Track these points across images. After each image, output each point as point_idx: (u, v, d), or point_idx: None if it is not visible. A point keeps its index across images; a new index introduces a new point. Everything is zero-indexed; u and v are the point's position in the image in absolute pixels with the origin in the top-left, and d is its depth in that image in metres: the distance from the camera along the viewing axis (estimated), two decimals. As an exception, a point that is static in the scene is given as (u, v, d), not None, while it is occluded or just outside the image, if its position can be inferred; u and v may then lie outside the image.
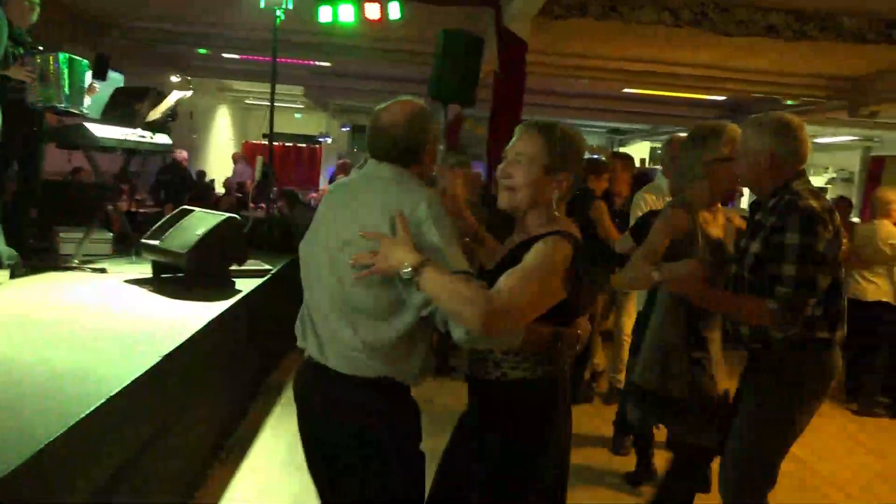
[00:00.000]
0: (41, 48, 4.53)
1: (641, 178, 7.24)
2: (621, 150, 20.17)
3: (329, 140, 17.70)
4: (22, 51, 4.40)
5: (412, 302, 1.68)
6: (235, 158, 14.05)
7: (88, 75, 4.64)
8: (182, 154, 11.17)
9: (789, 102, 11.36)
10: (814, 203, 2.17)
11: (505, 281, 1.61)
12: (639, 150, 19.98)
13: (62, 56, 4.31)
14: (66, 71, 4.33)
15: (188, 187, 10.35)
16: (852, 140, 16.14)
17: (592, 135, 19.97)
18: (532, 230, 1.80)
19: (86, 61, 4.61)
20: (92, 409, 1.91)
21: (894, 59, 8.29)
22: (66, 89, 4.35)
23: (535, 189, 1.78)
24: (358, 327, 1.72)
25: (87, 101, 4.62)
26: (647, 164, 16.52)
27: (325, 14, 6.59)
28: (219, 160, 16.49)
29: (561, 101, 13.29)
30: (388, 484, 1.76)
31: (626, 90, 11.82)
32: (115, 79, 8.91)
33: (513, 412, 1.78)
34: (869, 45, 7.04)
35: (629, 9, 6.75)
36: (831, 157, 18.85)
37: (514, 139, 1.85)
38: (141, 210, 6.10)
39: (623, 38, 8.31)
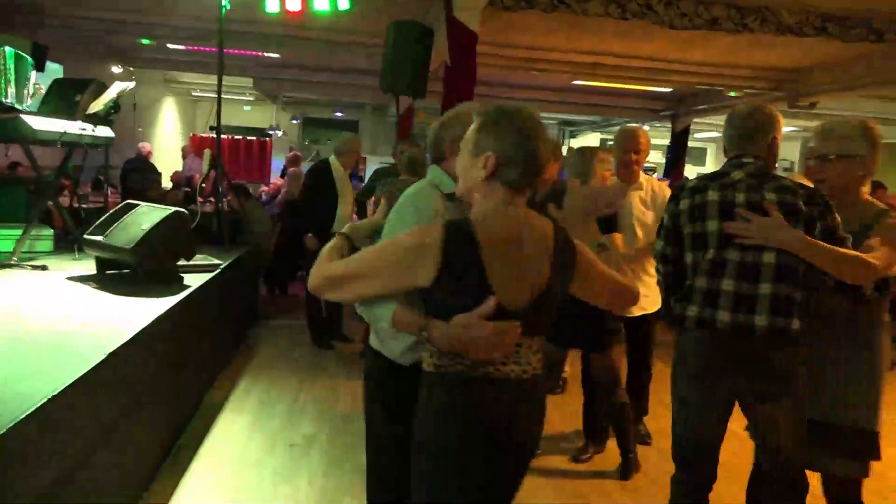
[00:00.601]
0: None
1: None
2: (572, 141, 20.44)
3: (279, 133, 17.44)
4: None
5: None
6: (185, 152, 13.74)
7: (34, 75, 4.49)
8: (147, 147, 10.96)
9: (732, 94, 11.67)
10: None
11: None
12: (589, 141, 20.28)
13: (10, 51, 4.16)
14: (12, 66, 4.18)
15: (155, 181, 10.20)
16: (792, 131, 16.66)
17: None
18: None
19: (30, 59, 4.45)
20: (33, 408, 1.86)
21: (830, 52, 8.59)
22: (13, 86, 4.20)
23: (466, 175, 1.76)
24: None
25: (29, 102, 4.46)
26: (597, 155, 16.73)
27: (272, 4, 6.48)
28: (165, 154, 16.09)
29: (512, 92, 13.35)
30: None
31: (575, 82, 11.95)
32: (54, 69, 8.64)
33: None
34: (806, 39, 7.28)
35: (576, 2, 6.83)
36: (773, 147, 19.44)
37: None
38: (83, 206, 5.92)
39: (571, 31, 8.40)
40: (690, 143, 15.07)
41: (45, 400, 1.92)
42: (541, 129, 1.70)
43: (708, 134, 19.54)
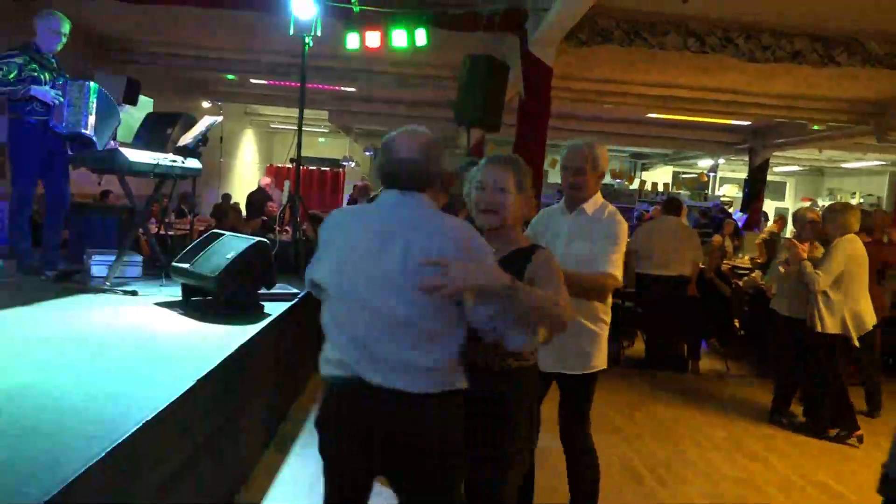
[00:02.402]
0: (67, 76, 4.67)
1: (668, 205, 7.20)
2: (644, 174, 20.13)
3: (352, 164, 17.85)
4: (47, 75, 4.53)
5: (473, 317, 1.89)
6: (262, 183, 14.23)
7: (119, 114, 4.75)
8: (266, 181, 11.54)
9: (815, 128, 11.29)
10: None
11: (555, 291, 2.03)
12: (662, 175, 19.92)
13: (93, 86, 4.44)
14: (93, 100, 4.45)
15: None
16: (879, 165, 15.96)
17: (615, 159, 19.95)
18: (514, 243, 2.24)
19: (114, 102, 4.72)
20: (129, 433, 1.92)
21: (922, 84, 8.22)
22: (93, 118, 4.46)
23: (513, 210, 2.22)
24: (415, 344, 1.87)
25: (111, 143, 4.72)
26: (670, 188, 16.40)
27: (352, 41, 6.68)
28: (244, 183, 16.69)
29: (584, 125, 13.31)
30: None
31: (649, 115, 11.81)
32: (145, 102, 9.13)
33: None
34: (896, 70, 7.00)
35: (653, 35, 6.77)
36: (858, 182, 18.66)
37: (484, 171, 2.27)
38: (170, 233, 6.18)
39: (647, 64, 8.34)
40: (769, 177, 14.61)
41: (139, 425, 1.99)
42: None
43: (787, 168, 18.92)
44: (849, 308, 4.83)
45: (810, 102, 9.91)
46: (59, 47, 4.64)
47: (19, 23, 4.67)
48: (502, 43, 7.26)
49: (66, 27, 4.63)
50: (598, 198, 3.04)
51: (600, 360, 2.98)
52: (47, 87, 4.46)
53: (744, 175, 15.30)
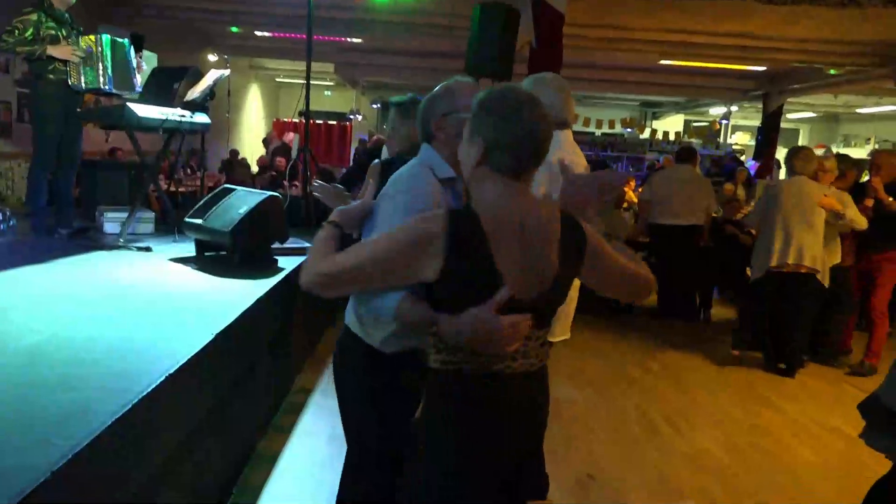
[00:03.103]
0: (81, 29, 4.58)
1: (682, 154, 7.07)
2: (655, 123, 19.84)
3: (359, 117, 17.66)
4: (64, 32, 4.45)
5: None
6: (269, 138, 14.13)
7: (133, 54, 4.68)
8: (289, 136, 11.39)
9: (832, 72, 11.03)
10: None
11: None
12: (673, 123, 19.63)
13: (105, 38, 4.36)
14: (108, 53, 4.39)
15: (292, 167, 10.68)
16: (895, 110, 15.65)
17: (625, 108, 19.67)
18: None
19: (126, 40, 4.64)
20: (153, 385, 1.93)
21: (946, 25, 7.98)
22: (110, 71, 4.40)
23: (464, 162, 1.66)
24: None
25: (138, 80, 4.67)
26: (681, 137, 16.16)
27: (359, -11, 6.52)
28: (252, 138, 16.58)
29: (594, 73, 13.07)
30: None
31: (662, 62, 11.57)
32: (149, 58, 9.00)
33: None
34: (919, 11, 6.79)
35: (669, -22, 6.59)
36: (873, 127, 18.33)
37: None
38: (180, 189, 6.17)
39: (662, 10, 8.12)
40: (782, 124, 14.36)
41: (163, 377, 2.00)
42: (535, 112, 1.54)
43: (801, 115, 18.59)
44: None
45: (829, 46, 9.65)
46: (73, 1, 4.55)
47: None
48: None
49: None
50: None
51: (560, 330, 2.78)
52: (64, 44, 4.38)
53: (756, 123, 15.04)
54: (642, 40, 9.91)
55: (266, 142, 14.02)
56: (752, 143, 16.83)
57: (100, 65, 4.42)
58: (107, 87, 4.46)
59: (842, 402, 4.67)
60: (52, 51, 4.34)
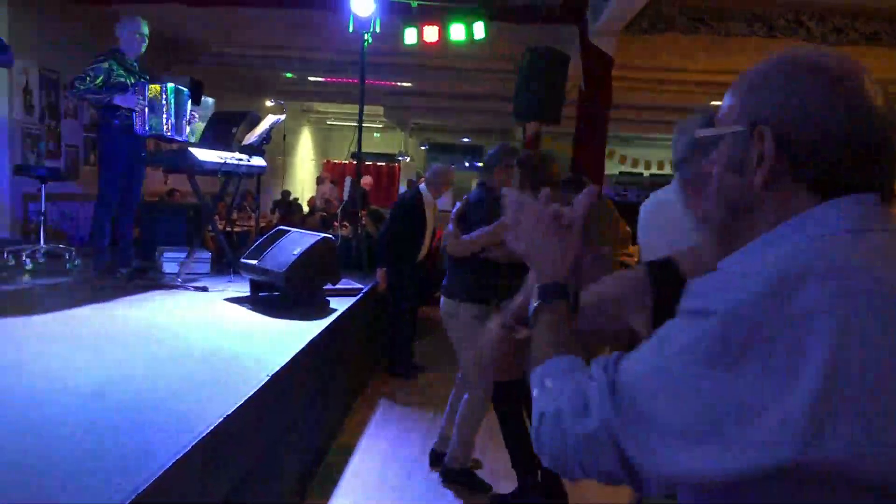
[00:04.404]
0: (148, 77, 4.80)
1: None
2: (704, 163, 19.60)
3: (407, 158, 17.94)
4: (132, 80, 4.67)
5: None
6: (321, 179, 14.48)
7: (189, 105, 4.87)
8: (367, 180, 11.68)
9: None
10: None
11: None
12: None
13: (170, 87, 4.55)
14: (172, 101, 4.57)
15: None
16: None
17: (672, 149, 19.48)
18: None
19: (187, 91, 4.84)
20: (211, 428, 1.96)
21: None
22: (173, 119, 4.58)
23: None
24: None
25: (186, 131, 4.85)
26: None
27: (410, 36, 6.69)
28: (303, 179, 16.98)
29: (642, 114, 13.04)
30: None
31: (713, 103, 11.47)
32: (207, 103, 9.36)
33: None
34: None
35: (718, 21, 6.57)
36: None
37: None
38: (235, 229, 6.35)
39: (711, 51, 8.09)
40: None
41: (219, 420, 2.03)
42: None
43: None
44: None
45: (885, 85, 9.46)
46: (144, 49, 4.78)
47: (99, 32, 4.82)
48: (561, 34, 7.15)
49: (146, 29, 4.77)
50: None
51: None
52: (131, 93, 4.59)
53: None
54: (691, 81, 9.87)
55: (320, 180, 14.34)
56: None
57: (164, 112, 4.60)
58: (169, 134, 4.64)
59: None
60: (120, 99, 4.55)
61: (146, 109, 4.54)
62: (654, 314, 1.18)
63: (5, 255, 5.05)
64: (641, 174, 16.42)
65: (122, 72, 4.63)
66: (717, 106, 1.02)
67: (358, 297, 4.43)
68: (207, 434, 1.93)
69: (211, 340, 3.14)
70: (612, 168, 15.20)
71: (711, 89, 10.14)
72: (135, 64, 4.76)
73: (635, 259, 6.97)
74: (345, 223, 7.54)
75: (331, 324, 3.54)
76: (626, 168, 16.08)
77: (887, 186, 0.78)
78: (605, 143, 6.67)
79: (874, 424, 0.64)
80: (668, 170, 16.52)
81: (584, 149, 6.56)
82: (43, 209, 5.33)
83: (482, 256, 3.23)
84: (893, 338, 0.66)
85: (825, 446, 0.64)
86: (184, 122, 4.86)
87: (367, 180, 11.91)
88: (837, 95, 0.78)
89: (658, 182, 16.15)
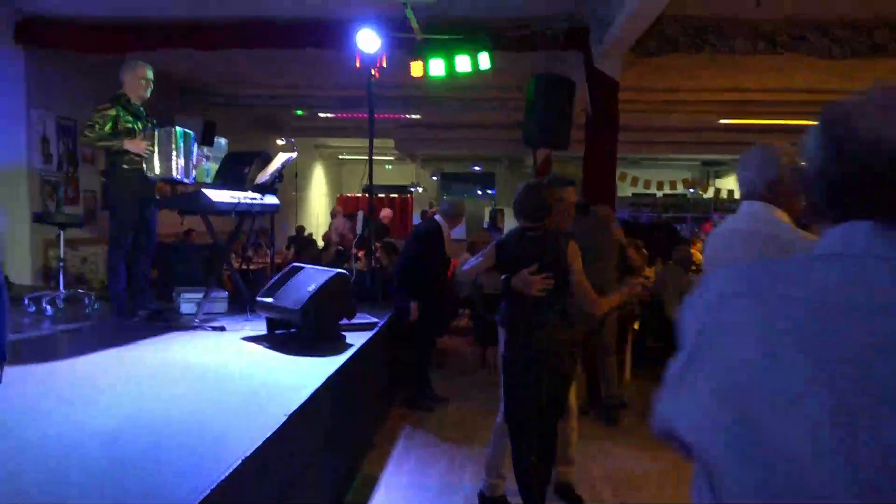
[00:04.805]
0: (155, 122, 4.88)
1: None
2: (717, 182, 19.53)
3: (420, 189, 18.04)
4: (140, 125, 4.75)
5: None
6: (334, 213, 14.58)
7: (195, 148, 4.93)
8: (386, 212, 11.77)
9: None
10: None
11: None
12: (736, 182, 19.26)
13: (178, 131, 4.62)
14: (181, 145, 4.63)
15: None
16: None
17: (685, 168, 19.45)
18: None
19: (192, 133, 4.90)
20: (230, 470, 1.96)
21: None
22: (182, 161, 4.64)
23: None
24: None
25: (193, 174, 4.91)
26: (747, 195, 15.78)
27: (416, 69, 6.77)
28: (316, 214, 17.11)
29: (651, 135, 13.07)
30: None
31: (722, 121, 11.48)
32: (220, 144, 9.51)
33: None
34: None
35: (721, 40, 6.60)
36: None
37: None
38: (250, 268, 6.38)
39: (716, 69, 8.12)
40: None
41: (239, 462, 2.03)
42: None
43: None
44: None
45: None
46: (149, 93, 4.87)
47: (113, 80, 4.92)
48: (566, 60, 7.22)
49: (150, 73, 4.86)
50: None
51: None
52: (139, 138, 4.67)
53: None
54: (699, 101, 9.89)
55: (333, 214, 14.45)
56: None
57: (173, 155, 4.66)
58: (179, 177, 4.70)
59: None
60: (128, 145, 4.63)
61: (155, 154, 4.61)
62: None
63: (26, 301, 5.12)
64: (654, 195, 16.39)
65: (129, 117, 4.72)
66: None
67: (374, 330, 4.43)
68: (227, 476, 1.93)
69: (229, 381, 3.15)
70: (624, 190, 15.18)
71: (719, 108, 10.17)
72: (141, 109, 4.85)
73: (651, 280, 6.95)
74: (359, 256, 7.58)
75: (348, 359, 3.54)
76: (639, 189, 16.02)
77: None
78: (615, 166, 6.68)
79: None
80: (680, 189, 16.48)
81: (594, 173, 6.57)
82: (62, 255, 5.41)
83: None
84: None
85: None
86: (191, 164, 4.91)
87: (386, 213, 11.97)
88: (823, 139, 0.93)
89: (672, 202, 16.12)
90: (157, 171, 4.64)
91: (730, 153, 15.92)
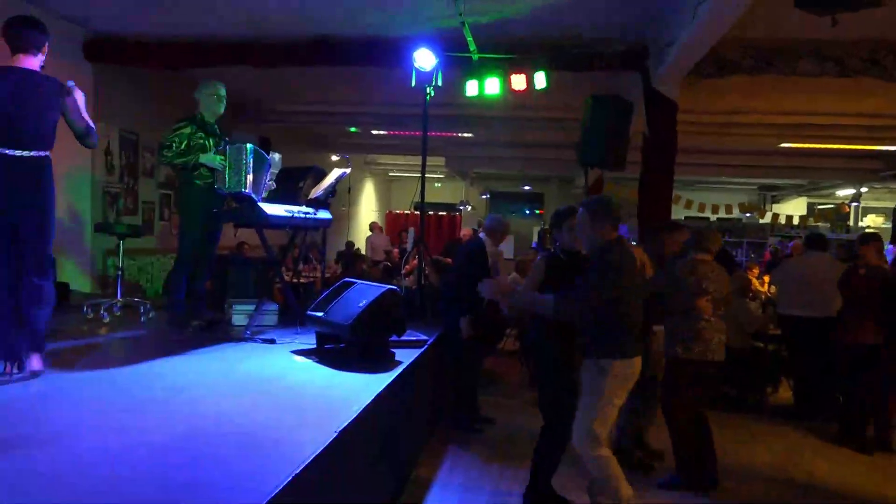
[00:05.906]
0: (227, 138, 4.95)
1: (813, 241, 6.52)
2: (775, 207, 19.00)
3: (469, 208, 18.03)
4: (212, 142, 4.82)
5: None
6: (372, 227, 14.72)
7: (270, 170, 4.96)
8: (466, 231, 11.81)
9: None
10: None
11: None
12: (795, 207, 18.73)
13: (248, 147, 4.66)
14: (252, 162, 4.67)
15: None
16: None
17: (741, 192, 19.00)
18: None
19: (266, 156, 4.93)
20: (280, 488, 1.94)
21: None
22: (250, 177, 4.67)
23: None
24: None
25: (263, 194, 4.94)
26: (807, 221, 15.29)
27: (471, 88, 6.76)
28: (365, 230, 17.26)
29: (708, 158, 12.79)
30: None
31: (782, 145, 11.17)
32: (274, 159, 9.68)
33: None
34: None
35: (786, 62, 6.41)
36: None
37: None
38: (301, 281, 6.45)
39: (777, 92, 7.91)
40: (920, 206, 13.37)
41: (290, 478, 2.01)
42: None
43: (940, 194, 17.28)
44: None
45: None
46: (222, 110, 4.94)
47: (172, 95, 5.02)
48: (623, 80, 7.12)
49: (223, 91, 4.94)
50: None
51: None
52: (212, 154, 4.74)
53: (891, 204, 14.11)
54: (758, 124, 9.65)
55: (371, 227, 14.64)
56: (886, 225, 15.74)
57: (242, 171, 4.70)
58: (247, 192, 4.71)
59: None
60: (204, 158, 4.70)
61: (227, 168, 4.66)
62: None
63: (84, 308, 5.24)
64: (707, 218, 16.00)
65: (201, 134, 4.78)
66: None
67: (423, 348, 4.39)
68: (276, 495, 1.90)
69: (278, 394, 3.14)
70: (678, 213, 14.85)
71: (780, 130, 9.89)
72: (216, 127, 4.92)
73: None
74: (403, 270, 7.58)
75: (396, 377, 3.51)
76: (692, 213, 15.68)
77: None
78: (671, 188, 6.53)
79: None
80: (736, 213, 16.07)
81: (650, 195, 6.43)
82: (121, 264, 5.54)
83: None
84: None
85: None
86: (262, 184, 4.92)
87: (465, 231, 11.81)
88: None
89: (728, 226, 15.69)
90: (228, 185, 4.68)
91: (788, 178, 15.49)
